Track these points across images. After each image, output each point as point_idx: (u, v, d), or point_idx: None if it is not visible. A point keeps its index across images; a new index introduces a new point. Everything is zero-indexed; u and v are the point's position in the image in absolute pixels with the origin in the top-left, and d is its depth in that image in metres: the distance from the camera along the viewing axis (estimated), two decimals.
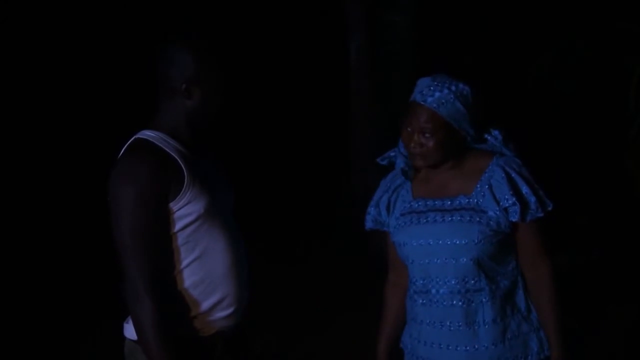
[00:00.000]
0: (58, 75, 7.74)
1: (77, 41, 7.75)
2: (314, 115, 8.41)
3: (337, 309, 5.20)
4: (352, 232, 5.74)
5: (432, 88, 2.26)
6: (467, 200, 2.29)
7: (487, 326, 2.29)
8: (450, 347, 2.31)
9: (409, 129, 2.29)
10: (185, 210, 2.07)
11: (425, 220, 2.32)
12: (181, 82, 2.11)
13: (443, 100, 2.24)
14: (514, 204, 2.24)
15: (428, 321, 2.34)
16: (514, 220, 2.26)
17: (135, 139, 2.14)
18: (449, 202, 2.31)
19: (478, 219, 2.25)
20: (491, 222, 2.25)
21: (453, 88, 2.26)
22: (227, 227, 2.18)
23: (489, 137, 2.37)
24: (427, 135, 2.26)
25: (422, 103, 2.26)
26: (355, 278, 5.60)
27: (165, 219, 2.06)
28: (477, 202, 2.28)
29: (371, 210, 2.49)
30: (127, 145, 2.14)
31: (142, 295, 1.99)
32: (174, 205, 2.06)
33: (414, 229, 2.33)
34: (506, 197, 2.25)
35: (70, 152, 7.55)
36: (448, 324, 2.30)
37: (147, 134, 2.13)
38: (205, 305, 2.13)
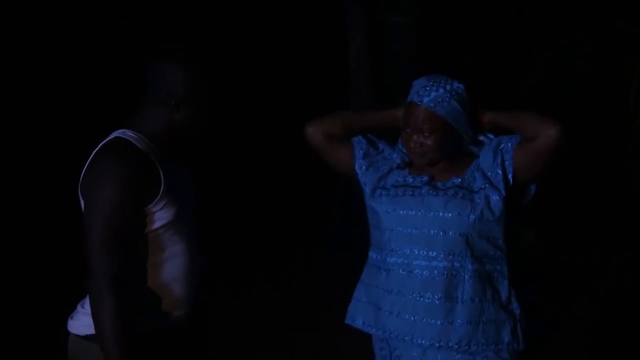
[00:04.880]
0: (55, 75, 7.75)
1: (73, 42, 7.75)
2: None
3: (337, 308, 5.19)
4: (351, 232, 5.74)
5: (427, 88, 2.30)
6: (459, 180, 2.35)
7: (464, 303, 2.30)
8: (424, 320, 2.31)
9: (407, 130, 2.34)
10: (158, 215, 2.10)
11: (419, 193, 2.36)
12: (171, 98, 2.12)
13: (439, 100, 2.29)
14: (499, 142, 2.36)
15: (405, 292, 2.34)
16: (510, 144, 2.32)
17: (115, 137, 2.13)
18: (442, 183, 2.37)
19: (470, 197, 2.30)
20: (481, 201, 2.29)
21: (448, 87, 2.30)
22: (188, 234, 2.23)
23: (484, 139, 2.42)
24: (426, 134, 2.31)
25: (419, 104, 2.31)
26: (354, 278, 5.59)
27: (137, 220, 2.08)
28: (469, 184, 2.34)
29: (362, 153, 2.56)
30: (106, 143, 2.13)
31: (105, 291, 2.01)
32: (152, 207, 2.08)
33: (406, 199, 2.37)
34: (491, 157, 2.35)
35: (47, 151, 7.51)
36: (428, 295, 2.31)
37: (128, 134, 2.12)
38: (160, 305, 2.17)
